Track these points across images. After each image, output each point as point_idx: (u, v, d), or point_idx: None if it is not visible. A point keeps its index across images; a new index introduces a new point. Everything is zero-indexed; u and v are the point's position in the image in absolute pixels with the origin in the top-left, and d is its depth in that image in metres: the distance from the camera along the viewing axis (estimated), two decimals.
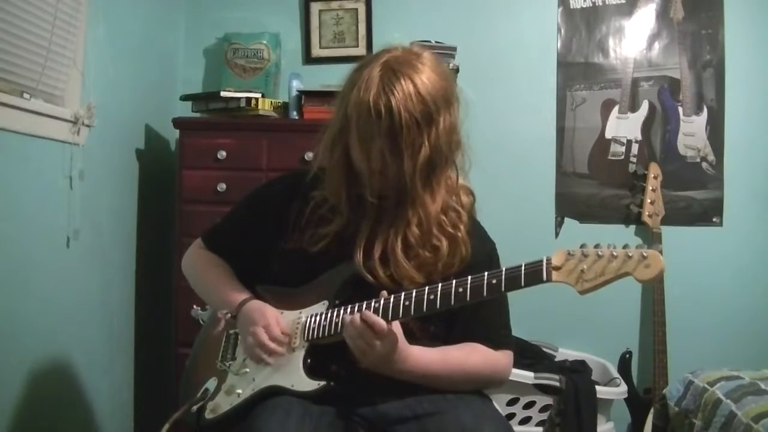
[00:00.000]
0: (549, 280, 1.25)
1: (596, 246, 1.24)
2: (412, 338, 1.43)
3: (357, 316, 1.34)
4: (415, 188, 1.41)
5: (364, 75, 1.38)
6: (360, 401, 1.42)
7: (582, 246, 1.25)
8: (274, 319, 1.45)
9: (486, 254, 1.50)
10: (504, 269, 1.30)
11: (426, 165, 1.39)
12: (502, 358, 1.50)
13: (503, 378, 1.52)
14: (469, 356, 1.46)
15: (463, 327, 1.48)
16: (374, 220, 1.46)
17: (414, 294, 1.35)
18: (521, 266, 1.28)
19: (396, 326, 1.36)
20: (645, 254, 1.19)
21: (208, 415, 1.47)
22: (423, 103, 1.36)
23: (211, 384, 1.50)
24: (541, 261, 1.26)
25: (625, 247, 1.22)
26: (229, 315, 1.52)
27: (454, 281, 1.33)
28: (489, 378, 1.49)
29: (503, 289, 1.29)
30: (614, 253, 1.21)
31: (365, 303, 1.37)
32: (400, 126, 1.35)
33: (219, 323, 1.53)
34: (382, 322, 1.31)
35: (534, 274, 1.26)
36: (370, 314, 1.32)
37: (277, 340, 1.43)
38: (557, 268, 1.24)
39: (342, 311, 1.40)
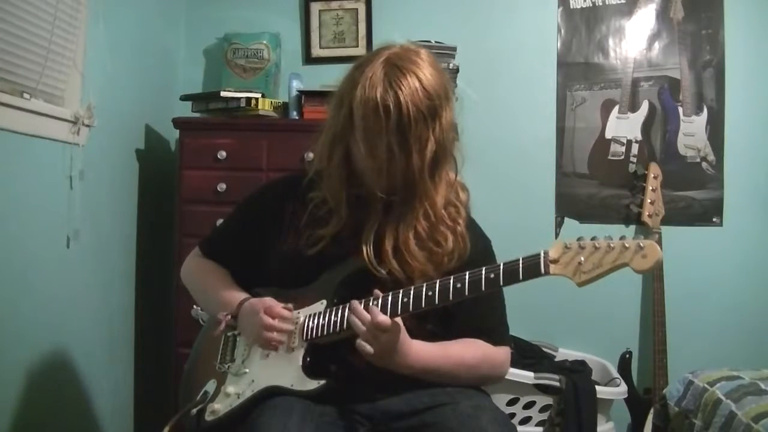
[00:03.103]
0: (547, 273, 1.25)
1: (593, 239, 1.24)
2: (410, 335, 1.43)
3: (364, 315, 1.33)
4: (423, 182, 1.42)
5: (367, 73, 1.38)
6: (360, 399, 1.42)
7: (579, 239, 1.25)
8: (274, 301, 1.46)
9: (482, 251, 1.51)
10: (502, 263, 1.30)
11: (432, 159, 1.41)
12: (501, 353, 1.51)
13: (501, 374, 1.53)
14: (469, 350, 1.46)
15: (461, 324, 1.48)
16: (381, 217, 1.46)
17: (412, 290, 1.35)
18: (519, 260, 1.28)
19: (398, 320, 1.36)
20: (642, 245, 1.19)
21: (208, 417, 1.47)
22: (429, 98, 1.37)
23: (211, 386, 1.51)
24: (539, 254, 1.26)
25: (621, 238, 1.22)
26: (230, 316, 1.52)
27: (451, 277, 1.33)
28: (488, 373, 1.50)
29: (501, 283, 1.29)
30: (611, 245, 1.21)
31: (363, 301, 1.37)
32: (408, 121, 1.35)
33: (219, 324, 1.53)
34: (387, 318, 1.32)
35: (532, 268, 1.26)
36: (375, 310, 1.33)
37: (280, 316, 1.42)
38: (555, 261, 1.24)
39: (340, 310, 1.40)
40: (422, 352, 1.41)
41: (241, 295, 1.54)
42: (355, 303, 1.36)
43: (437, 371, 1.42)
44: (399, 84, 1.35)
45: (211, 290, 1.63)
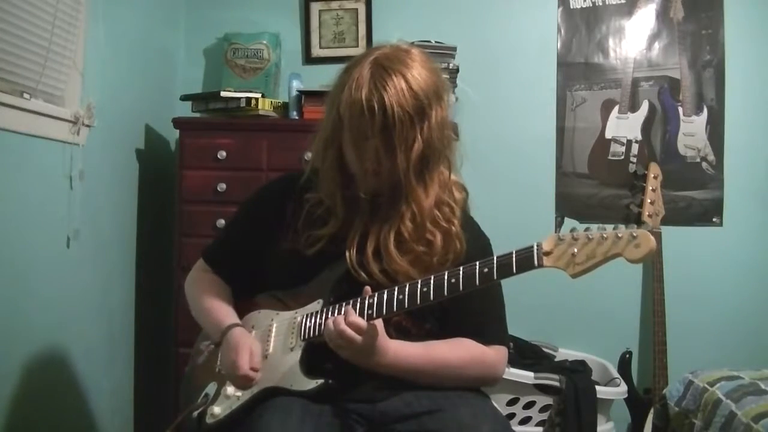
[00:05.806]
0: (540, 265, 1.24)
1: (586, 230, 1.23)
2: (408, 335, 1.44)
3: (340, 318, 1.33)
4: (409, 183, 1.40)
5: (354, 74, 1.38)
6: (359, 399, 1.42)
7: (572, 230, 1.24)
8: (246, 355, 1.41)
9: (480, 249, 1.49)
10: (495, 257, 1.29)
11: (419, 160, 1.39)
12: (492, 353, 1.48)
13: (493, 374, 1.50)
14: (454, 350, 1.44)
15: (455, 322, 1.47)
16: (368, 218, 1.46)
17: (407, 287, 1.34)
18: (512, 253, 1.27)
19: (377, 322, 1.35)
20: (635, 234, 1.18)
21: (209, 419, 1.46)
22: (415, 98, 1.36)
23: (211, 388, 1.50)
24: (532, 247, 1.26)
25: (615, 228, 1.21)
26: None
27: (446, 272, 1.33)
28: (477, 374, 1.47)
29: (495, 277, 1.28)
30: (604, 235, 1.20)
31: (359, 299, 1.37)
32: (393, 122, 1.35)
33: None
34: (363, 322, 1.31)
35: (525, 260, 1.25)
36: (353, 315, 1.33)
37: (244, 377, 1.40)
38: (548, 253, 1.24)
39: (336, 309, 1.40)
40: (401, 352, 1.40)
41: (227, 321, 1.51)
42: (329, 320, 1.35)
43: (419, 372, 1.41)
44: (384, 85, 1.35)
45: (204, 312, 1.60)
